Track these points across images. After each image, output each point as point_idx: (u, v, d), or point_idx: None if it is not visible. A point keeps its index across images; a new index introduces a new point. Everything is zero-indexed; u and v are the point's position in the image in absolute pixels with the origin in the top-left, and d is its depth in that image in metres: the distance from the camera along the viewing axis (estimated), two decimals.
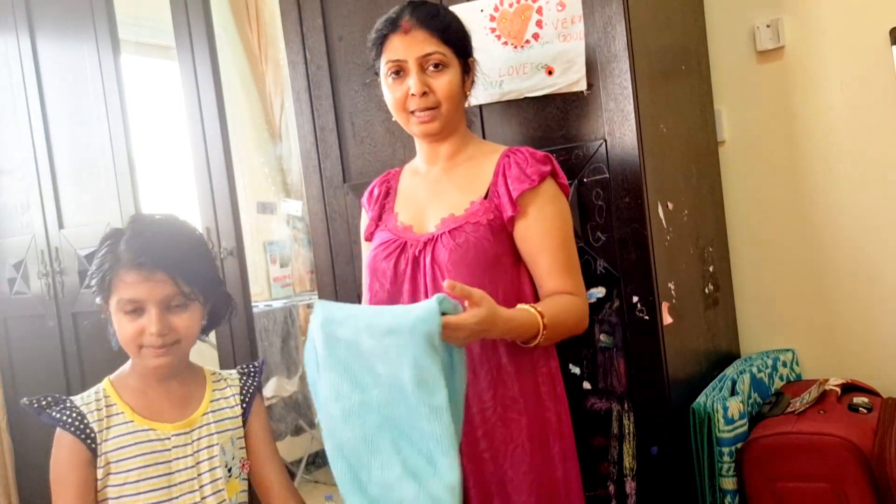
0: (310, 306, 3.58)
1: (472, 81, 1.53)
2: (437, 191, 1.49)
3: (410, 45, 1.41)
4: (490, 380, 1.39)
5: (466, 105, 1.56)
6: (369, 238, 1.57)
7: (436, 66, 1.42)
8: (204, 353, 2.96)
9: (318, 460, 3.43)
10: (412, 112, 1.44)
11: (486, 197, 1.43)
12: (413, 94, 1.42)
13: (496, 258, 1.41)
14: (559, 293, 1.41)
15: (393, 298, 1.45)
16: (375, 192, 1.61)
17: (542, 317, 1.33)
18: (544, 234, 1.41)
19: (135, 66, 3.11)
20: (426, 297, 1.41)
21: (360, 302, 1.65)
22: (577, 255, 1.46)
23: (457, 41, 1.45)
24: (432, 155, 1.52)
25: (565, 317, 1.39)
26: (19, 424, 3.15)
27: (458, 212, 1.43)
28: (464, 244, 1.39)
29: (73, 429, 1.33)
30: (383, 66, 1.45)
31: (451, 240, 1.40)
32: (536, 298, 1.44)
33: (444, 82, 1.42)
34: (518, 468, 1.38)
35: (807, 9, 2.02)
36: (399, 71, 1.43)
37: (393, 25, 1.43)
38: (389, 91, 1.46)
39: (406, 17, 1.42)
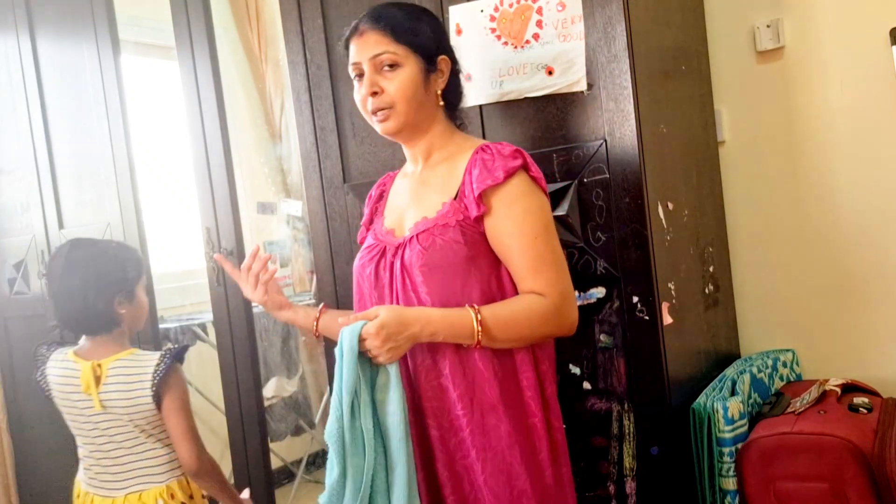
0: (310, 306, 3.58)
1: (446, 81, 1.49)
2: (416, 193, 1.49)
3: (363, 47, 1.43)
4: (465, 387, 1.37)
5: (463, 105, 1.55)
6: (362, 242, 1.58)
7: (390, 66, 1.42)
8: (203, 353, 2.97)
9: (318, 460, 3.43)
10: (371, 112, 1.46)
11: (455, 197, 1.42)
12: (365, 95, 1.44)
13: (469, 260, 1.38)
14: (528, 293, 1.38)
15: (377, 303, 1.45)
16: (372, 195, 1.63)
17: (478, 313, 1.32)
18: (513, 232, 1.37)
19: (135, 66, 3.12)
20: (397, 302, 1.41)
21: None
22: (556, 250, 1.40)
23: (413, 39, 1.43)
24: (412, 156, 1.53)
25: (517, 315, 1.35)
26: (19, 424, 3.15)
27: (430, 214, 1.42)
28: (430, 247, 1.38)
29: None
30: (350, 70, 1.48)
31: (418, 244, 1.39)
32: None
33: (395, 82, 1.42)
34: (498, 477, 1.36)
35: (807, 9, 2.03)
36: (360, 74, 1.45)
37: (353, 30, 1.46)
38: (356, 94, 1.48)
39: (363, 21, 1.45)
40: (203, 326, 3.07)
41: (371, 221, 1.58)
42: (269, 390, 3.34)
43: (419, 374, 1.39)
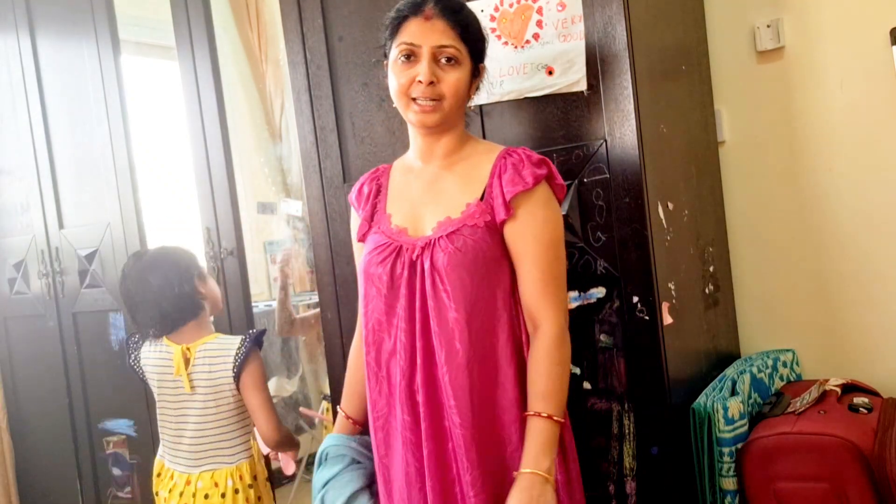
0: (310, 307, 3.58)
1: (478, 87, 1.51)
2: (432, 191, 1.48)
3: (429, 33, 1.39)
4: (492, 383, 1.39)
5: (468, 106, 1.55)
6: (362, 239, 1.54)
7: (448, 59, 1.40)
8: None
9: None
10: (414, 99, 1.42)
11: (482, 198, 1.42)
12: (420, 82, 1.39)
13: (495, 260, 1.40)
14: (531, 317, 1.39)
15: (389, 303, 1.44)
16: (365, 189, 1.57)
17: (552, 417, 1.34)
18: (531, 239, 1.39)
19: (135, 66, 3.11)
20: (423, 302, 1.40)
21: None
22: (562, 263, 1.43)
23: (473, 42, 1.44)
24: (427, 152, 1.50)
25: (558, 376, 1.37)
26: (19, 424, 3.15)
27: (454, 214, 1.42)
28: (462, 247, 1.38)
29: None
30: (395, 49, 1.43)
31: (449, 244, 1.38)
32: None
33: (453, 78, 1.41)
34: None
35: (807, 9, 2.03)
36: (410, 55, 1.41)
37: (416, 9, 1.41)
38: (395, 74, 1.43)
39: (431, 5, 1.40)
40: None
41: (371, 217, 1.54)
42: (270, 390, 3.34)
43: (447, 373, 1.38)
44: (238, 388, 1.97)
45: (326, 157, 2.02)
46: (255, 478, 2.04)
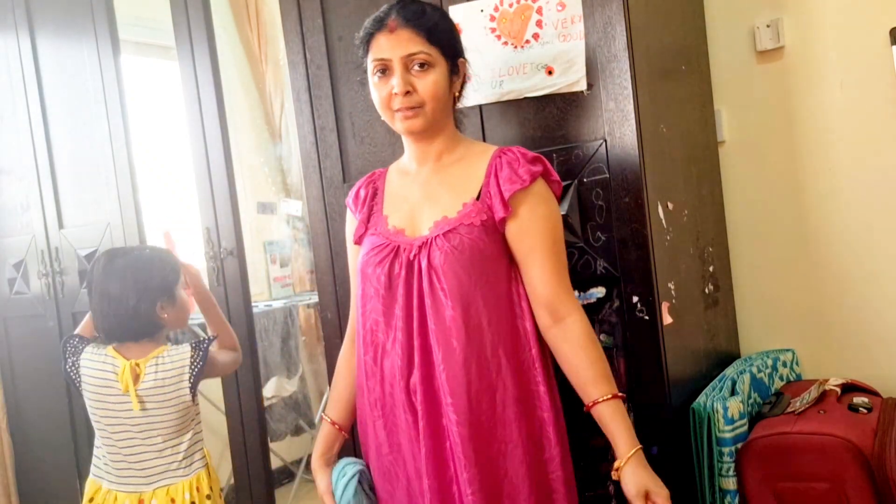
0: (309, 306, 3.59)
1: (463, 82, 1.52)
2: (428, 192, 1.48)
3: (395, 45, 1.41)
4: (490, 380, 1.39)
5: (459, 105, 1.55)
6: (358, 241, 1.55)
7: (421, 65, 1.42)
8: None
9: None
10: (397, 110, 1.44)
11: (478, 198, 1.43)
12: (396, 94, 1.42)
13: (492, 258, 1.41)
14: (553, 310, 1.41)
15: (387, 303, 1.44)
16: (362, 193, 1.58)
17: (620, 397, 1.39)
18: (536, 235, 1.41)
19: (135, 66, 3.12)
20: (420, 300, 1.41)
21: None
22: (566, 255, 1.47)
23: (443, 41, 1.44)
24: (422, 155, 1.51)
25: (603, 358, 1.41)
26: (19, 424, 3.15)
27: (451, 214, 1.43)
28: (459, 246, 1.39)
29: None
30: (370, 65, 1.45)
31: (445, 242, 1.39)
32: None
33: (428, 82, 1.42)
34: (519, 468, 1.38)
35: (807, 9, 2.03)
36: (385, 69, 1.43)
37: (379, 24, 1.43)
38: (375, 89, 1.46)
39: (392, 16, 1.42)
40: (203, 326, 3.06)
41: (368, 220, 1.55)
42: (269, 390, 3.34)
43: (444, 371, 1.38)
44: (194, 397, 1.84)
45: (326, 157, 2.02)
46: (211, 489, 1.89)
